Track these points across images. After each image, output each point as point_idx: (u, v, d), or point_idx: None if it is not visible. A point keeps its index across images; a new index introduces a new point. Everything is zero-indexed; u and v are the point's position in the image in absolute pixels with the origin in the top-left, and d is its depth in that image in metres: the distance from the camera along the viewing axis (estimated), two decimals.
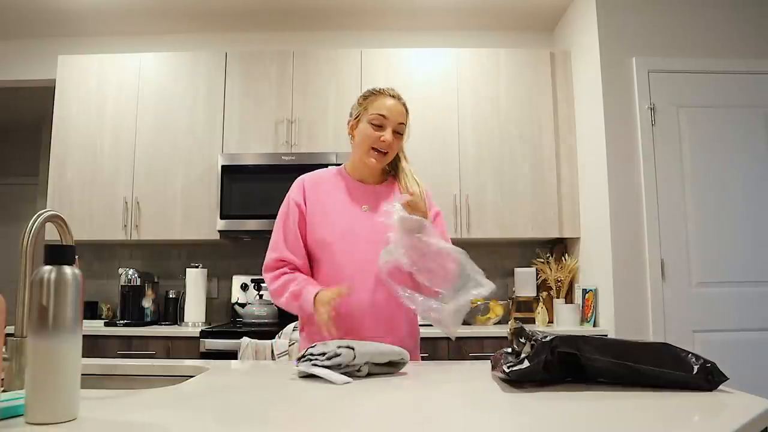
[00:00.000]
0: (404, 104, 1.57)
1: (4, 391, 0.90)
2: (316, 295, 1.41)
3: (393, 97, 1.56)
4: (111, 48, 3.61)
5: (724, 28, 2.91)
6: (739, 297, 2.72)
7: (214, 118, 3.23)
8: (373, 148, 1.52)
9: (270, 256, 1.55)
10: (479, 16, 3.52)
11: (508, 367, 1.01)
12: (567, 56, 3.30)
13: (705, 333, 2.67)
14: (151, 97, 3.25)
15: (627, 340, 1.07)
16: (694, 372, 0.98)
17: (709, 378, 0.98)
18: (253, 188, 3.08)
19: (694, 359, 1.00)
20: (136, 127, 3.22)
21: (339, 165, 1.68)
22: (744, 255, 2.75)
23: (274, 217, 1.61)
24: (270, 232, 1.60)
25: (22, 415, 0.78)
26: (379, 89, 1.58)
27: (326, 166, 3.03)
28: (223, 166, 3.11)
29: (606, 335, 2.69)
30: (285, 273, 1.52)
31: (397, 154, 1.61)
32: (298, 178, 1.63)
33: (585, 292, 2.99)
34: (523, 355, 1.01)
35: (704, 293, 2.72)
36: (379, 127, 1.52)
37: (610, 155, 2.81)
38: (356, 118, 1.57)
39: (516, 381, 1.02)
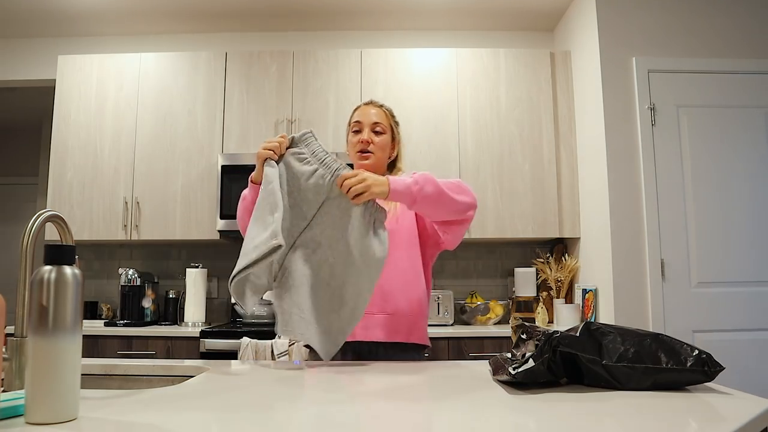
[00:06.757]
0: (382, 107, 1.67)
1: (4, 391, 0.90)
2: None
3: (367, 104, 1.67)
4: (111, 48, 3.62)
5: (724, 28, 2.91)
6: (739, 297, 2.72)
7: (214, 118, 3.23)
8: (358, 152, 1.63)
9: None
10: (479, 16, 3.52)
11: (514, 369, 1.00)
12: (567, 56, 3.30)
13: (705, 333, 2.67)
14: (151, 97, 3.25)
15: (622, 329, 1.06)
16: (689, 364, 0.98)
17: (705, 369, 0.98)
18: None
19: (689, 349, 1.00)
20: (136, 127, 3.23)
21: None
22: (744, 255, 2.75)
23: None
24: None
25: (22, 415, 0.78)
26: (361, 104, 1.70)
27: None
28: (223, 166, 3.11)
29: None
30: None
31: (394, 162, 1.69)
32: None
33: (585, 292, 2.99)
34: (528, 355, 1.01)
35: (704, 293, 2.72)
36: (358, 132, 1.64)
37: (610, 155, 2.82)
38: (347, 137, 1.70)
39: (521, 383, 1.02)
